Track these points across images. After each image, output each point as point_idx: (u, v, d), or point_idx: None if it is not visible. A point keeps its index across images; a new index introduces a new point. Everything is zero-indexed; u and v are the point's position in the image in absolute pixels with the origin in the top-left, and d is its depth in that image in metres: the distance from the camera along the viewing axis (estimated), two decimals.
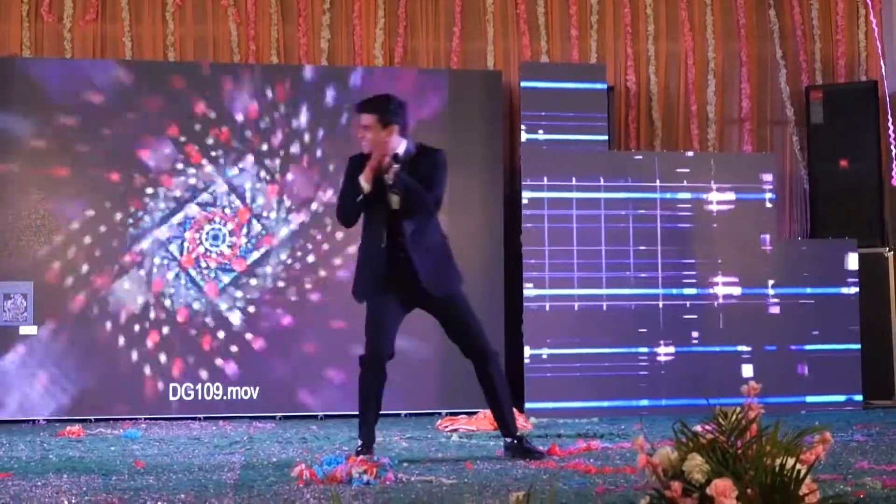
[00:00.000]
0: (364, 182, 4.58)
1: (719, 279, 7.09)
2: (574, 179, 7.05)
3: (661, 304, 7.04)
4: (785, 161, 8.14)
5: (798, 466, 2.45)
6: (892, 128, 6.99)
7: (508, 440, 4.76)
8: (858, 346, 7.12)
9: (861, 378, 7.10)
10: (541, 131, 7.07)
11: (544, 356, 6.90)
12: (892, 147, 6.95)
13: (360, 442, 4.63)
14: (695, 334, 7.03)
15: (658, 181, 7.12)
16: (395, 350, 4.72)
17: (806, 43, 8.24)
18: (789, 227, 8.08)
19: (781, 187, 7.96)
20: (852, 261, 7.17)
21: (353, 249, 6.95)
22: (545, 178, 7.03)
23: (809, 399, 7.06)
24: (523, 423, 6.15)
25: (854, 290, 7.15)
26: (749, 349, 7.05)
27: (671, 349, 7.00)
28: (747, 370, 7.02)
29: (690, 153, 7.73)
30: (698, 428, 2.60)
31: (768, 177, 7.24)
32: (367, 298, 4.71)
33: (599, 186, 7.07)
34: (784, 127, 8.22)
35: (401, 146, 4.67)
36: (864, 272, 7.21)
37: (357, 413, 4.73)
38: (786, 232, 7.98)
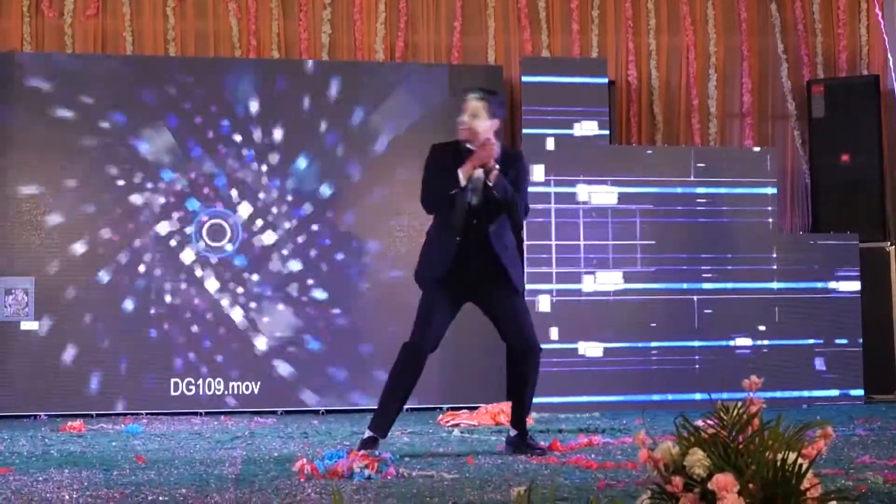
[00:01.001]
0: (463, 177, 4.49)
1: (721, 274, 7.10)
2: (575, 174, 7.04)
3: (667, 297, 7.05)
4: (786, 155, 8.13)
5: (800, 461, 2.44)
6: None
7: (513, 434, 4.75)
8: (860, 341, 7.12)
9: (863, 373, 7.11)
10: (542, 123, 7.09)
11: (546, 350, 6.87)
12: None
13: (369, 433, 4.56)
14: (694, 329, 7.05)
15: (662, 176, 7.11)
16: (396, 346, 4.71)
17: (807, 37, 8.23)
18: (791, 221, 8.07)
19: (783, 182, 7.95)
20: (855, 255, 7.18)
21: (356, 243, 7.03)
22: (546, 173, 7.02)
23: (811, 394, 7.06)
24: None
25: (856, 284, 7.15)
26: (751, 343, 7.08)
27: (667, 344, 7.01)
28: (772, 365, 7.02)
29: (693, 147, 7.76)
30: (700, 423, 2.59)
31: (772, 171, 7.26)
32: (428, 288, 4.65)
33: (600, 180, 7.06)
34: (785, 121, 8.22)
35: (497, 146, 4.59)
36: (865, 266, 7.21)
37: (373, 407, 4.72)
38: (787, 226, 7.98)
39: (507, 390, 4.87)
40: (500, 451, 4.75)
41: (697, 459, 2.44)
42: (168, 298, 6.94)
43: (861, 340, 7.13)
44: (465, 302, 4.73)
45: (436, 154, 4.71)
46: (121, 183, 6.95)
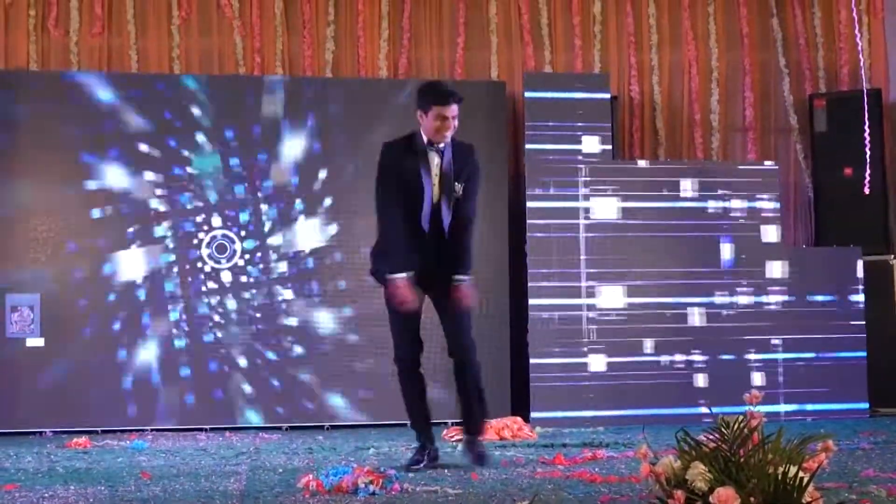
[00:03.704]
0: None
1: (725, 288, 7.11)
2: (578, 189, 7.07)
3: (671, 312, 7.06)
4: (789, 169, 8.14)
5: (801, 474, 2.45)
6: (868, 135, 6.99)
7: (468, 436, 4.87)
8: (864, 354, 7.12)
9: (867, 386, 7.11)
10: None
11: (549, 365, 6.91)
12: (868, 156, 6.94)
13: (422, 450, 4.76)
14: (700, 343, 7.06)
15: (665, 190, 7.13)
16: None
17: (809, 51, 8.26)
18: (794, 235, 8.08)
19: (785, 195, 7.95)
20: (859, 268, 7.19)
21: (356, 259, 7.02)
22: (549, 188, 7.05)
23: (815, 407, 7.06)
24: (528, 433, 6.16)
25: (860, 297, 7.16)
26: (758, 357, 7.07)
27: (671, 358, 7.02)
28: (757, 378, 7.04)
29: (693, 161, 7.80)
30: (701, 437, 2.61)
31: (775, 185, 7.29)
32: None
33: (603, 195, 7.08)
34: (788, 135, 8.23)
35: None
36: (868, 279, 7.21)
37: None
38: (790, 240, 7.98)
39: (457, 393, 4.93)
40: (505, 466, 4.76)
41: (699, 473, 2.46)
42: (173, 315, 6.96)
43: (865, 354, 7.13)
44: (424, 294, 4.80)
45: (388, 155, 4.77)
46: (126, 201, 6.97)
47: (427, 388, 4.89)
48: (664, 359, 7.00)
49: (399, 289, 4.64)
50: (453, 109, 4.67)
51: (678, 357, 7.02)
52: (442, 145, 4.71)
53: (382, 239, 4.78)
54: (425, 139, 4.73)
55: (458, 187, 4.70)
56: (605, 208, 7.08)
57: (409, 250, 4.68)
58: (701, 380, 7.00)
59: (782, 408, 7.00)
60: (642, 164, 7.40)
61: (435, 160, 4.70)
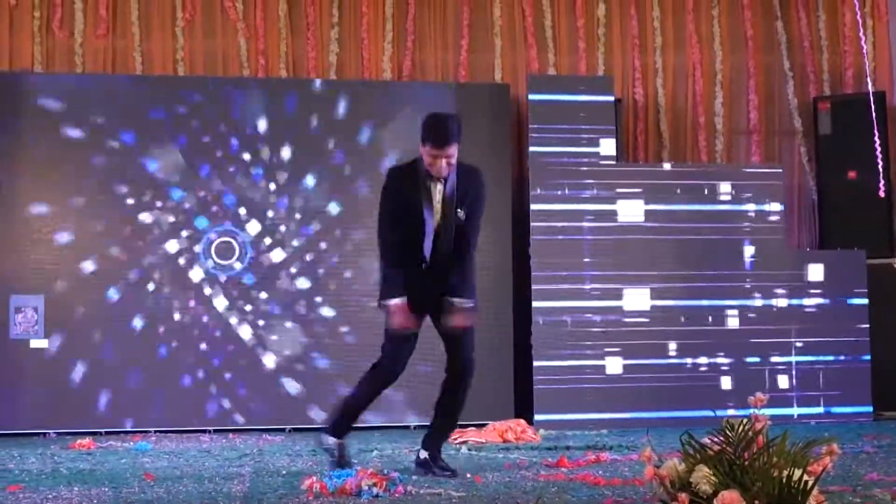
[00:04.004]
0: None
1: (728, 291, 7.11)
2: (582, 191, 7.07)
3: (677, 314, 7.06)
4: (793, 172, 8.14)
5: (805, 478, 2.45)
6: (878, 138, 6.99)
7: (425, 455, 4.65)
8: (868, 357, 7.11)
9: (871, 389, 7.10)
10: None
11: (552, 368, 6.91)
12: (880, 159, 6.94)
13: (335, 440, 4.61)
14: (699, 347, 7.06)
15: (671, 193, 7.13)
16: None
17: (813, 54, 8.26)
18: (798, 237, 8.07)
19: (790, 198, 7.95)
20: (862, 272, 7.18)
21: (364, 261, 7.02)
22: (553, 190, 7.05)
23: (819, 410, 7.06)
24: (532, 435, 6.16)
25: (864, 300, 7.15)
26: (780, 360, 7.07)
27: (677, 361, 7.02)
28: (782, 381, 7.06)
29: (700, 164, 7.80)
30: (706, 439, 2.61)
31: (779, 188, 7.28)
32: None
33: (607, 198, 7.09)
34: (792, 138, 8.23)
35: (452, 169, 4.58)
36: (872, 282, 7.21)
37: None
38: (794, 243, 7.98)
39: (435, 406, 4.77)
40: (508, 469, 4.75)
41: (703, 476, 2.46)
42: (177, 316, 6.96)
43: (869, 357, 7.12)
44: (424, 317, 4.70)
45: (393, 182, 4.65)
46: (130, 201, 6.98)
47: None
48: (672, 362, 7.00)
49: (395, 314, 4.56)
50: (448, 151, 4.47)
51: (684, 360, 7.01)
52: None
53: (382, 264, 4.72)
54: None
55: (461, 213, 4.58)
56: (619, 210, 7.07)
57: (410, 275, 4.58)
58: (726, 382, 7.00)
59: (795, 410, 7.00)
60: (667, 166, 7.43)
61: (437, 187, 4.55)
